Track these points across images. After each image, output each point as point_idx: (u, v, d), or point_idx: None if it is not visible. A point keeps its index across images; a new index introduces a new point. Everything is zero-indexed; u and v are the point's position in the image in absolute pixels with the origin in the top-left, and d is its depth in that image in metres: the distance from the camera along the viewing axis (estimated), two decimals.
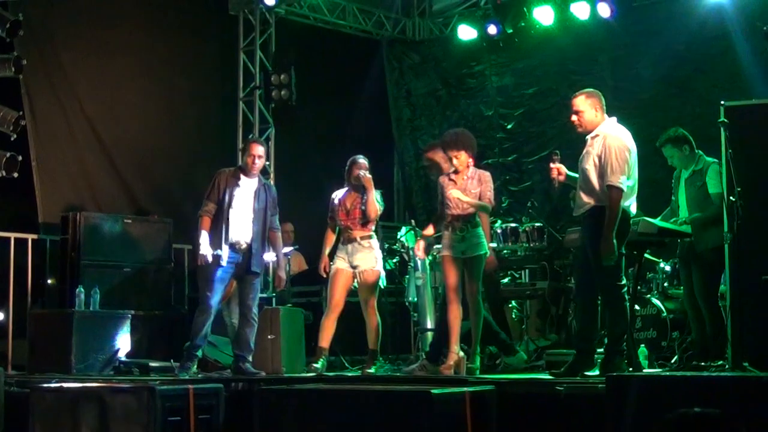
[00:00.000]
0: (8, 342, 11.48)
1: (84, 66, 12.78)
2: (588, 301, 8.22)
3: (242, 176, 9.84)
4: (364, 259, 9.71)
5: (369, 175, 9.70)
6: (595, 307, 8.18)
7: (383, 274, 9.84)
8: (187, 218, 12.88)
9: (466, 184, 9.09)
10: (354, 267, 9.70)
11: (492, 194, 9.18)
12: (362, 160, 9.87)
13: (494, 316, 10.03)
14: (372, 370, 9.51)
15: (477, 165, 9.31)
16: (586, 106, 8.20)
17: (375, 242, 9.81)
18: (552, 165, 8.30)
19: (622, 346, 8.09)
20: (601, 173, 7.96)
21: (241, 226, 9.76)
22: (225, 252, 9.63)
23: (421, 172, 15.42)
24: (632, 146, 8.08)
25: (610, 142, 8.01)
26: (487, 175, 9.23)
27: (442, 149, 9.43)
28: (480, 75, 15.09)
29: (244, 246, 9.73)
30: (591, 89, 8.39)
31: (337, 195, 9.94)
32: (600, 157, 7.99)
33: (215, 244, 9.64)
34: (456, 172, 9.17)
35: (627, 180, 7.91)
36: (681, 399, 6.05)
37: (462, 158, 9.17)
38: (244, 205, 9.77)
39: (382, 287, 9.99)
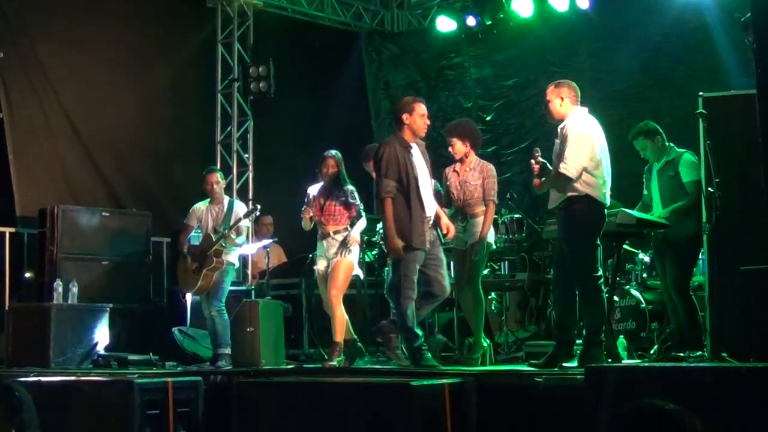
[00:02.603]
0: None
1: (61, 59, 12.74)
2: (566, 293, 8.22)
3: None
4: (337, 252, 9.68)
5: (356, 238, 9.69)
6: (573, 298, 8.19)
7: (356, 266, 9.79)
8: (165, 211, 12.88)
9: (467, 176, 9.14)
10: (329, 259, 9.69)
11: (496, 188, 9.25)
12: (331, 158, 9.82)
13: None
14: (334, 363, 9.42)
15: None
16: (552, 96, 8.23)
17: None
18: (533, 162, 8.27)
19: (600, 337, 8.09)
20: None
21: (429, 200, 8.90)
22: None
23: None
24: (596, 136, 8.04)
25: (567, 131, 8.02)
26: (489, 168, 9.29)
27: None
28: (459, 67, 15.11)
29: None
30: (564, 80, 8.38)
31: (312, 190, 9.92)
32: (561, 146, 8.03)
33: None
34: (461, 162, 9.24)
35: (584, 168, 7.90)
36: (659, 390, 6.07)
37: (456, 147, 9.24)
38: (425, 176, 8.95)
39: (360, 280, 9.95)
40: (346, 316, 9.50)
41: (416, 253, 8.48)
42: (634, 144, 9.31)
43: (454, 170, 9.29)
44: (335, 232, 9.63)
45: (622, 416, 4.07)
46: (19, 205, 12.08)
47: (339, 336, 9.46)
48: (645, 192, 9.40)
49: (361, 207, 9.69)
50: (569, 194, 8.00)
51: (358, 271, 9.88)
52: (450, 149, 9.27)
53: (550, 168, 8.18)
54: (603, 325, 8.16)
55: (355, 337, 9.65)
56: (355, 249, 9.70)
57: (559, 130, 8.17)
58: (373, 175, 9.20)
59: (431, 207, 8.66)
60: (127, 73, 13.36)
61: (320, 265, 9.71)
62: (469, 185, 9.09)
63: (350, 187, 9.73)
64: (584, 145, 7.94)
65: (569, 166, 7.89)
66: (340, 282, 9.54)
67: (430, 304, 8.90)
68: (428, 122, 8.82)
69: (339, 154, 9.82)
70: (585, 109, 8.25)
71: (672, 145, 9.20)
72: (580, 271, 8.02)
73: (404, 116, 8.70)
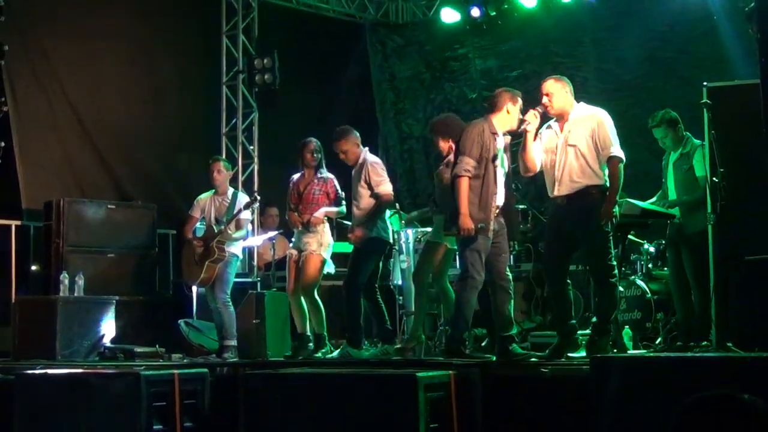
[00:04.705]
0: None
1: (66, 51, 12.76)
2: (560, 287, 8.21)
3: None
4: (309, 243, 9.75)
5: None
6: (567, 291, 8.20)
7: (328, 260, 9.79)
8: (171, 203, 12.89)
9: (448, 172, 9.14)
10: (301, 251, 9.74)
11: None
12: (312, 144, 9.89)
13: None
14: (319, 355, 9.50)
15: None
16: (557, 88, 8.23)
17: (326, 226, 9.82)
18: (534, 110, 8.20)
19: (609, 326, 8.11)
20: (597, 149, 7.98)
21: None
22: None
23: (406, 156, 15.43)
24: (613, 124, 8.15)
25: (600, 119, 8.07)
26: None
27: None
28: (464, 58, 15.08)
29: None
30: (559, 75, 8.45)
31: (293, 178, 9.97)
32: (592, 136, 8.01)
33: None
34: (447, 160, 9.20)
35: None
36: (665, 380, 6.08)
37: (440, 145, 9.30)
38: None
39: (330, 273, 9.96)
40: (313, 309, 9.72)
41: (482, 241, 8.17)
42: (653, 131, 9.29)
43: (446, 165, 9.17)
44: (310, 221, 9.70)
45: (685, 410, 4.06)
46: (25, 197, 12.11)
47: (318, 329, 9.69)
48: (663, 180, 9.39)
49: (342, 195, 9.73)
50: (590, 182, 8.00)
51: (330, 268, 9.89)
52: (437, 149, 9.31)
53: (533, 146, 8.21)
54: (613, 314, 8.18)
55: (308, 334, 9.76)
56: (327, 242, 9.74)
57: (572, 120, 8.14)
58: (342, 157, 9.53)
59: (501, 196, 8.39)
60: (132, 66, 13.38)
61: (291, 248, 9.89)
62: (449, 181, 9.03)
63: (329, 175, 9.78)
64: (614, 130, 8.04)
65: (618, 149, 7.97)
66: (308, 279, 9.67)
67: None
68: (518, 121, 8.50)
69: (318, 142, 9.87)
70: (583, 103, 8.29)
71: (689, 135, 9.17)
72: (598, 259, 8.03)
73: (507, 106, 8.41)
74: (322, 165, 9.85)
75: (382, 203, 9.60)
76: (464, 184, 8.15)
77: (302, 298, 9.76)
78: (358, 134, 9.75)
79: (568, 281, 8.26)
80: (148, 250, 12.22)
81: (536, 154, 8.26)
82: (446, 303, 9.33)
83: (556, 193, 8.18)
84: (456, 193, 8.16)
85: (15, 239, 11.82)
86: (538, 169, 8.29)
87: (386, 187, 9.58)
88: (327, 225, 9.84)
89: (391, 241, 9.95)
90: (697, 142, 9.08)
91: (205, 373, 8.58)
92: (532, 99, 8.50)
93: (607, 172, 8.03)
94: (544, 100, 8.23)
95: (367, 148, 9.82)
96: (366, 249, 9.55)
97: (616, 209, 7.98)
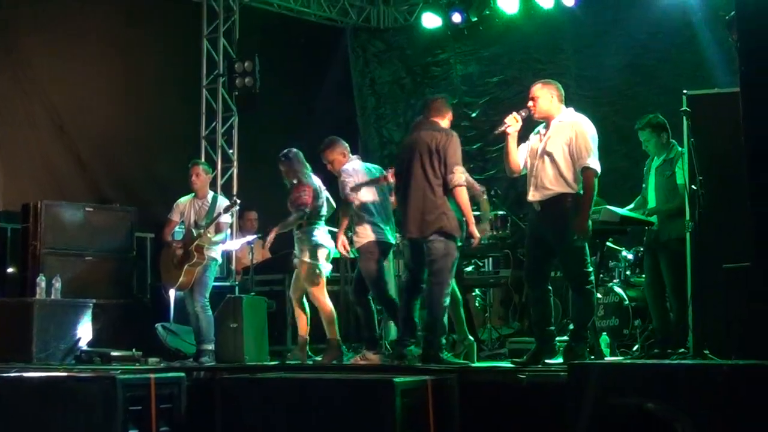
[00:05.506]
0: None
1: (46, 53, 12.71)
2: (540, 292, 8.22)
3: None
4: (300, 250, 9.81)
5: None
6: (547, 296, 8.22)
7: (321, 264, 9.73)
8: (149, 207, 12.85)
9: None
10: (296, 258, 9.87)
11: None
12: (280, 164, 10.04)
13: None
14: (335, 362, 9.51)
15: None
16: (542, 93, 8.22)
17: (312, 231, 9.77)
18: (517, 113, 8.23)
19: (586, 333, 8.12)
20: (573, 158, 7.97)
21: None
22: None
23: (386, 161, 15.39)
24: (596, 134, 8.11)
25: (578, 128, 8.03)
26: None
27: None
28: (445, 63, 15.11)
29: None
30: (550, 80, 8.41)
31: None
32: (569, 144, 8.00)
33: None
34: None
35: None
36: (642, 387, 6.08)
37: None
38: None
39: (327, 277, 9.95)
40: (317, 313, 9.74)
41: (456, 248, 8.57)
42: (639, 134, 9.29)
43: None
44: (297, 227, 9.74)
45: (602, 415, 4.08)
46: (2, 199, 12.07)
47: (331, 333, 9.68)
48: (644, 185, 9.39)
49: (300, 202, 9.71)
50: (563, 190, 8.00)
51: (324, 269, 9.81)
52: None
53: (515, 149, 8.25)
54: (591, 321, 8.20)
55: (306, 337, 9.81)
56: (315, 248, 9.70)
57: (553, 126, 8.14)
58: (329, 167, 9.59)
59: None
60: (112, 68, 13.34)
61: (295, 262, 9.90)
62: None
63: (304, 180, 9.78)
64: (596, 146, 8.02)
65: (594, 160, 7.95)
66: (302, 284, 9.76)
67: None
68: None
69: (287, 156, 9.87)
70: (572, 109, 8.27)
71: (675, 142, 9.18)
72: (573, 266, 8.04)
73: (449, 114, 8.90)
74: (296, 175, 9.88)
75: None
76: (465, 193, 8.47)
77: (301, 303, 9.83)
78: (346, 144, 9.73)
79: (550, 287, 8.26)
80: (126, 253, 12.18)
81: (519, 156, 8.28)
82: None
83: (531, 198, 8.19)
84: (459, 203, 8.43)
85: None
86: (521, 169, 8.29)
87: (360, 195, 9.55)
88: (317, 229, 9.78)
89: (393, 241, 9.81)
90: (681, 149, 9.09)
91: (181, 377, 8.53)
92: (513, 105, 8.53)
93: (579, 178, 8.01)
94: (530, 103, 8.24)
95: (355, 157, 9.77)
96: (365, 253, 9.48)
97: (590, 222, 7.95)
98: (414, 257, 8.77)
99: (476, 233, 8.55)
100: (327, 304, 9.71)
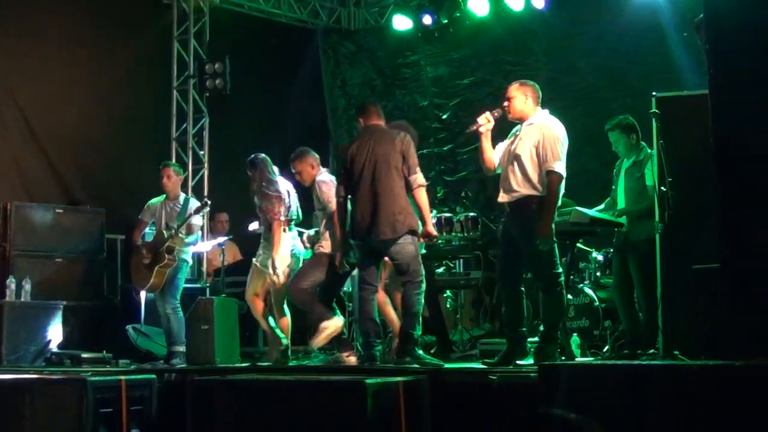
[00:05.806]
0: None
1: (15, 54, 12.63)
2: (513, 292, 8.26)
3: None
4: (264, 256, 9.85)
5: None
6: (520, 296, 8.26)
7: (278, 270, 9.67)
8: (119, 208, 12.80)
9: None
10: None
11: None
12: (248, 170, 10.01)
13: (430, 306, 10.01)
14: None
15: None
16: (517, 93, 8.25)
17: (278, 238, 9.73)
18: (489, 114, 8.25)
19: (556, 334, 8.15)
20: (539, 161, 8.00)
21: None
22: None
23: None
24: (566, 137, 8.13)
25: (546, 131, 8.06)
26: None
27: None
28: (415, 65, 15.13)
29: None
30: (528, 80, 8.43)
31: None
32: (536, 146, 8.03)
33: None
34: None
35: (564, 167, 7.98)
36: (612, 387, 6.12)
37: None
38: None
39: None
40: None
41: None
42: (608, 134, 9.33)
43: None
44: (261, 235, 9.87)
45: (528, 422, 4.13)
46: None
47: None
48: (613, 187, 9.43)
49: (274, 209, 9.72)
50: (529, 193, 8.03)
51: (284, 278, 9.77)
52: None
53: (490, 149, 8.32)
54: (561, 322, 8.24)
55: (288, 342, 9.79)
56: (276, 257, 9.65)
57: (525, 127, 8.17)
58: (298, 177, 9.63)
59: None
60: (82, 69, 13.25)
61: (255, 261, 10.02)
62: None
63: (264, 189, 9.77)
64: (561, 144, 8.03)
65: (559, 164, 7.97)
66: (259, 287, 9.94)
67: None
68: None
69: (253, 162, 9.85)
70: (546, 111, 8.30)
71: (644, 144, 9.21)
72: (542, 268, 8.07)
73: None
74: (262, 181, 9.87)
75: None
76: (425, 193, 8.68)
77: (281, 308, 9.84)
78: (316, 156, 9.70)
79: (522, 288, 8.29)
80: (97, 255, 12.13)
81: (493, 154, 8.33)
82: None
83: (500, 199, 8.24)
84: (420, 202, 8.61)
85: None
86: (497, 167, 8.33)
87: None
88: (280, 237, 9.73)
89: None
90: (651, 151, 9.13)
91: (152, 379, 8.52)
92: (483, 106, 8.56)
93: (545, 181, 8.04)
94: (505, 103, 8.27)
95: (324, 170, 9.76)
96: (323, 261, 9.47)
97: (553, 226, 7.97)
98: (365, 259, 8.81)
99: (434, 232, 8.80)
100: (284, 312, 9.76)
